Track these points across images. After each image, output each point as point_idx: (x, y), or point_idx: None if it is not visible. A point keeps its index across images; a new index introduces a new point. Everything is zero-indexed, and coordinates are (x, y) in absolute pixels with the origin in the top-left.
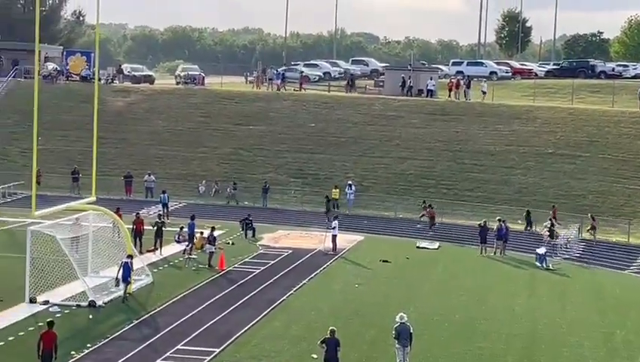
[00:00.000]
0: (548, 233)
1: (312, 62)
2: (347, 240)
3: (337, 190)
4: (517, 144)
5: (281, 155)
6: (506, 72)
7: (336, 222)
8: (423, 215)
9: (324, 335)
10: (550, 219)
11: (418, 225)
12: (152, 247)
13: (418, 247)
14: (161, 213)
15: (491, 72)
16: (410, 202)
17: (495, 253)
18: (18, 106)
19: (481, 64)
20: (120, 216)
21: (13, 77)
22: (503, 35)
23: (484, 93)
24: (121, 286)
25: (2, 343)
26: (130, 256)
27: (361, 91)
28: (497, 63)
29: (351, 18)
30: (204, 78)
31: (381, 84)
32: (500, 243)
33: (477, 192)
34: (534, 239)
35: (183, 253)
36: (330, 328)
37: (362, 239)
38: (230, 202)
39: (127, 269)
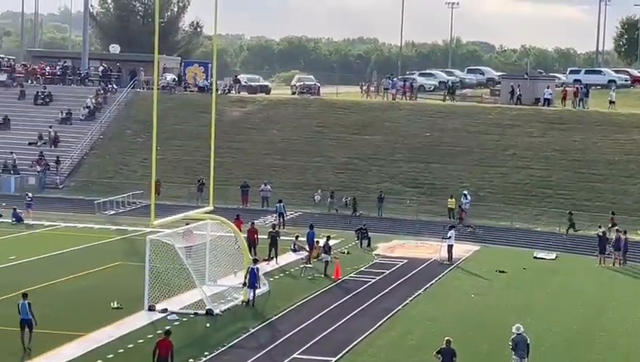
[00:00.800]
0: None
1: (427, 71)
2: (463, 249)
3: (453, 200)
4: (637, 153)
5: (396, 165)
6: (625, 81)
7: (452, 231)
8: (461, 217)
9: (440, 346)
10: (601, 226)
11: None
12: (267, 256)
13: (535, 257)
14: (275, 222)
15: (610, 81)
16: (527, 212)
17: (614, 264)
18: (137, 117)
19: (600, 72)
20: (240, 223)
21: (132, 88)
22: (621, 43)
23: (612, 102)
24: (248, 290)
25: (121, 350)
26: (256, 261)
27: (477, 100)
28: (616, 71)
29: (466, 27)
30: (319, 87)
31: (497, 93)
32: (619, 254)
33: (595, 202)
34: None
35: (307, 262)
36: (446, 338)
37: (478, 249)
38: (330, 210)
39: (253, 274)
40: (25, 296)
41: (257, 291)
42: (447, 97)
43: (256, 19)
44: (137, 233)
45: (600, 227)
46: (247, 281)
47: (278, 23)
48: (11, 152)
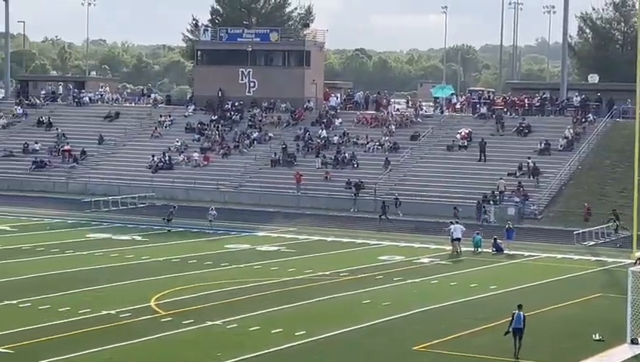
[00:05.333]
0: None
1: None
2: None
3: None
4: None
5: None
6: None
7: None
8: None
9: None
10: None
11: None
12: None
13: None
14: None
15: None
16: None
17: None
18: (616, 147)
19: None
20: None
21: (611, 117)
22: None
23: None
24: None
25: None
26: None
27: None
28: None
29: None
30: None
31: None
32: None
33: None
34: None
35: None
36: None
37: None
38: None
39: None
40: (520, 306)
41: None
42: None
43: None
44: (618, 264)
45: None
46: None
47: None
48: (500, 178)
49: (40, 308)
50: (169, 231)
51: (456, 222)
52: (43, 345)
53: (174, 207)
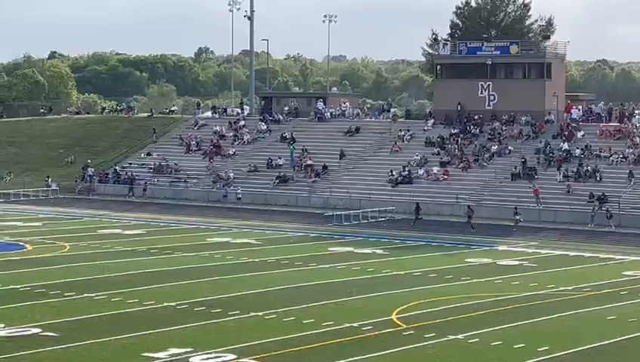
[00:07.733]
0: None
1: None
2: None
3: None
4: None
5: None
6: None
7: None
8: None
9: None
10: None
11: None
12: None
13: None
14: None
15: None
16: None
17: None
18: None
19: None
20: None
21: None
22: None
23: None
24: None
25: None
26: None
27: None
28: None
29: None
30: None
31: None
32: None
33: None
34: None
35: None
36: None
37: None
38: None
39: None
40: None
41: None
42: None
43: None
44: None
45: None
46: None
47: None
48: None
49: (285, 320)
50: None
51: None
52: (288, 357)
53: None
